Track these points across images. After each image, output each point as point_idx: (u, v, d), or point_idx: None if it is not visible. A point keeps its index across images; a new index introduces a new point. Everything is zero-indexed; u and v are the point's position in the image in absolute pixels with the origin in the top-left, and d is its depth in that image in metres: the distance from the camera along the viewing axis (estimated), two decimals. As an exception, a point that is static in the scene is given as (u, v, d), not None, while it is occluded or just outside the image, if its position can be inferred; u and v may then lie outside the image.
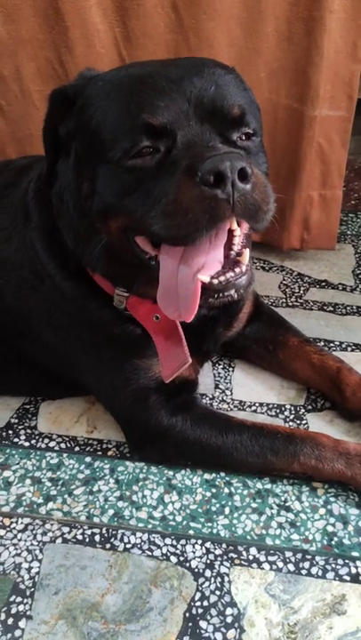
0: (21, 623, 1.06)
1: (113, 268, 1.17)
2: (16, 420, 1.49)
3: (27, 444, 1.42)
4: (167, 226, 0.93)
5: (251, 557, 1.15)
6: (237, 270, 0.99)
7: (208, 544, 1.18)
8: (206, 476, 1.31)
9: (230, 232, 0.98)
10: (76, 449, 1.40)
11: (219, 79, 1.04)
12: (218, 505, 1.25)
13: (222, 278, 0.97)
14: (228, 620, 1.06)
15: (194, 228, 0.91)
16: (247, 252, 1.01)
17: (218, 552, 1.16)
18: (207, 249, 0.97)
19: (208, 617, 1.06)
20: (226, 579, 1.12)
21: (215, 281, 0.96)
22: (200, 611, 1.07)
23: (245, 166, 0.89)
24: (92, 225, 1.11)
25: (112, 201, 1.04)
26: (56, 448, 1.40)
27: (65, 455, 1.38)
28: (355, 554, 1.14)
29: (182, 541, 1.18)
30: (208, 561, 1.15)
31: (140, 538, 1.19)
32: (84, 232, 1.14)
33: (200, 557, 1.15)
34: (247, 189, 0.91)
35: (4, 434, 1.45)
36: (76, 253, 1.20)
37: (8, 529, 1.22)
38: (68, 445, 1.41)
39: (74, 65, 1.67)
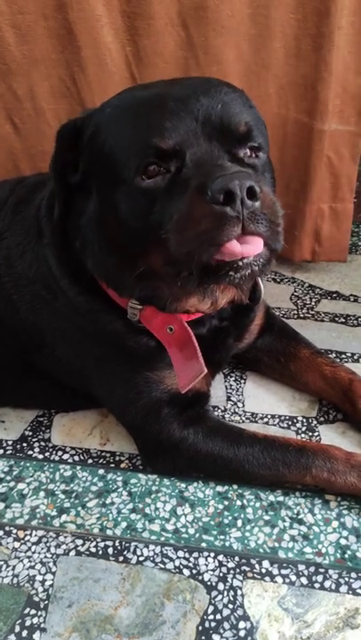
0: (35, 636, 1.07)
1: (147, 292, 1.17)
2: (30, 433, 1.50)
3: (40, 456, 1.43)
4: (179, 241, 0.95)
5: (263, 570, 1.15)
6: None
7: (221, 557, 1.18)
8: (219, 488, 1.31)
9: None
10: (90, 461, 1.41)
11: (225, 97, 1.06)
12: (230, 517, 1.25)
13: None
14: (242, 633, 1.05)
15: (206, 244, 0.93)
16: None
17: (230, 565, 1.16)
18: None
19: (221, 630, 1.06)
20: (239, 592, 1.12)
21: None
22: (213, 624, 1.07)
23: (254, 185, 0.91)
24: (124, 259, 1.11)
25: (137, 225, 1.04)
26: (69, 460, 1.42)
27: (78, 467, 1.39)
28: (368, 567, 1.14)
29: (195, 554, 1.19)
30: (221, 574, 1.15)
31: (153, 550, 1.20)
32: (117, 266, 1.15)
33: (213, 570, 1.15)
34: (256, 206, 0.93)
35: (18, 446, 1.46)
36: (109, 286, 1.21)
37: (22, 541, 1.23)
38: (82, 458, 1.42)
39: (86, 84, 1.70)
